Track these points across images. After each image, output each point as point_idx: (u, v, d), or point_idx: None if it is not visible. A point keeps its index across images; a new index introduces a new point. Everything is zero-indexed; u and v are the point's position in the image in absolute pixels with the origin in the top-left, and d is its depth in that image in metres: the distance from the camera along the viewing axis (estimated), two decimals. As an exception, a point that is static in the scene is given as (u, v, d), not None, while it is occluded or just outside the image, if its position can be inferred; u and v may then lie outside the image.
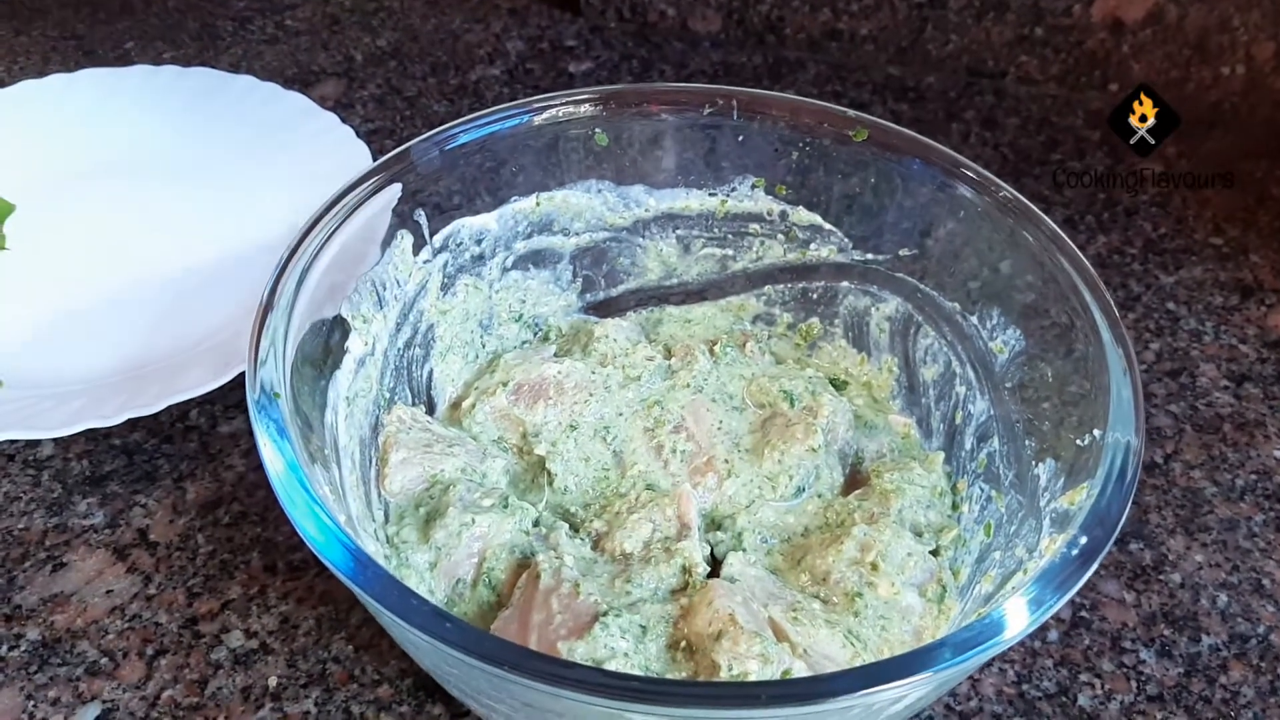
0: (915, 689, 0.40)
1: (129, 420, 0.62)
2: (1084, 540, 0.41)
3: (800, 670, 0.46)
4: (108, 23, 0.99)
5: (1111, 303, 0.50)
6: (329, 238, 0.52)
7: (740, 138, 0.61)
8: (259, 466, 0.45)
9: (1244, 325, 0.76)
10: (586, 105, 0.60)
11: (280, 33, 0.98)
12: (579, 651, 0.45)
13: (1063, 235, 0.53)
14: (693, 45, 0.99)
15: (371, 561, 0.40)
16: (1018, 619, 0.40)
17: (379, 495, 0.54)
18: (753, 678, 0.45)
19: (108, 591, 0.58)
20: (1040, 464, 0.51)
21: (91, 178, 0.81)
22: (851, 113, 0.59)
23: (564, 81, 0.94)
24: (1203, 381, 0.72)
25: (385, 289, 0.56)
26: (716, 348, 0.62)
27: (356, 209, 0.54)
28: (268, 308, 0.49)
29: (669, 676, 0.46)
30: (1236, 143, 0.90)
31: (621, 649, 0.46)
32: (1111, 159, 0.88)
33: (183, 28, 0.99)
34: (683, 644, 0.47)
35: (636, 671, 0.45)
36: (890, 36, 0.95)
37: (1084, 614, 0.59)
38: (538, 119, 0.59)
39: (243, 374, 0.61)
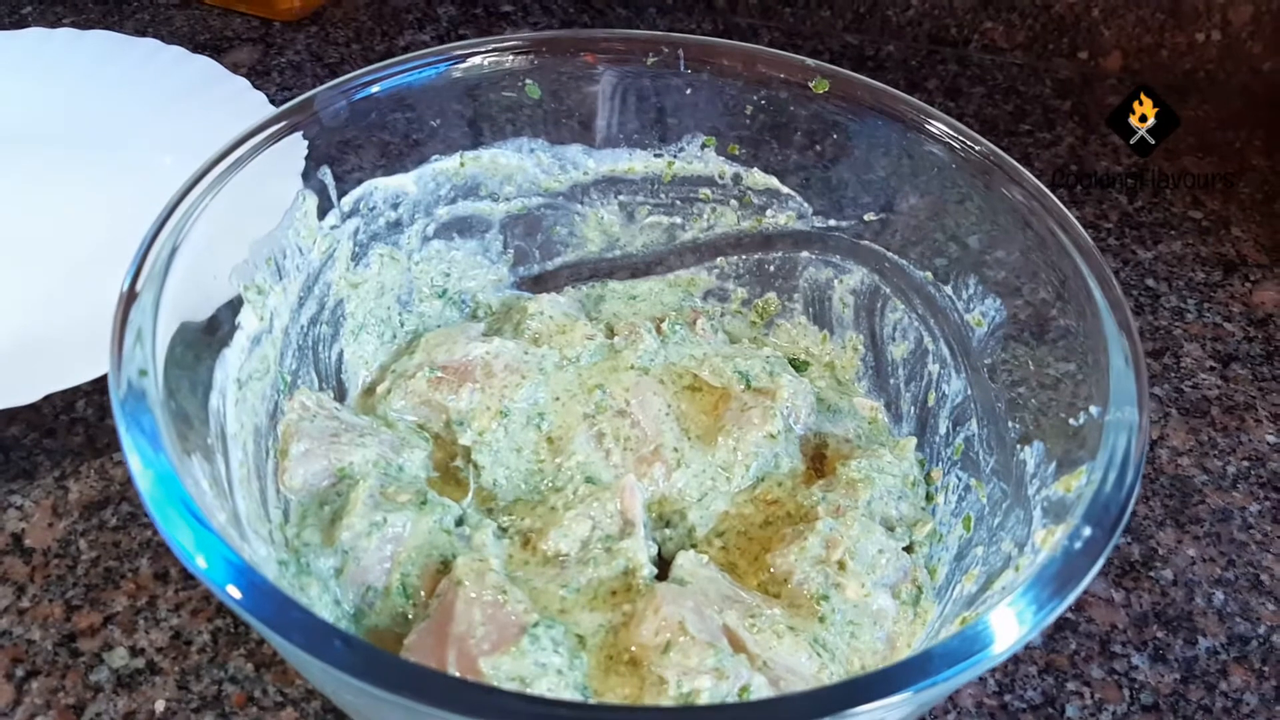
0: (892, 710, 0.34)
1: (5, 411, 0.56)
2: (1088, 532, 0.36)
3: (760, 686, 0.41)
4: (3, -15, 0.91)
5: (1106, 266, 0.44)
6: (210, 200, 0.45)
7: (689, 91, 0.55)
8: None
9: (1228, 302, 0.71)
10: (516, 54, 0.54)
11: (193, -4, 0.91)
12: (503, 669, 0.39)
13: (1047, 192, 0.47)
14: (638, 11, 0.93)
15: (247, 568, 0.34)
16: (1012, 625, 0.34)
17: (277, 492, 0.47)
18: (705, 696, 0.39)
19: (-27, 605, 0.51)
20: (1026, 448, 0.45)
21: (-24, 147, 0.73)
22: (811, 62, 0.54)
23: (500, 48, 0.87)
24: (1187, 362, 0.67)
25: (285, 257, 0.49)
26: (664, 325, 0.57)
27: (244, 166, 0.46)
28: (130, 292, 0.42)
29: (608, 697, 0.40)
30: (1214, 111, 0.86)
31: (553, 665, 0.40)
32: (1083, 128, 0.83)
33: (86, -10, 0.91)
34: (625, 657, 0.42)
35: (570, 692, 0.40)
36: (847, 2, 0.90)
37: (1069, 614, 0.54)
38: (460, 69, 0.53)
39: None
